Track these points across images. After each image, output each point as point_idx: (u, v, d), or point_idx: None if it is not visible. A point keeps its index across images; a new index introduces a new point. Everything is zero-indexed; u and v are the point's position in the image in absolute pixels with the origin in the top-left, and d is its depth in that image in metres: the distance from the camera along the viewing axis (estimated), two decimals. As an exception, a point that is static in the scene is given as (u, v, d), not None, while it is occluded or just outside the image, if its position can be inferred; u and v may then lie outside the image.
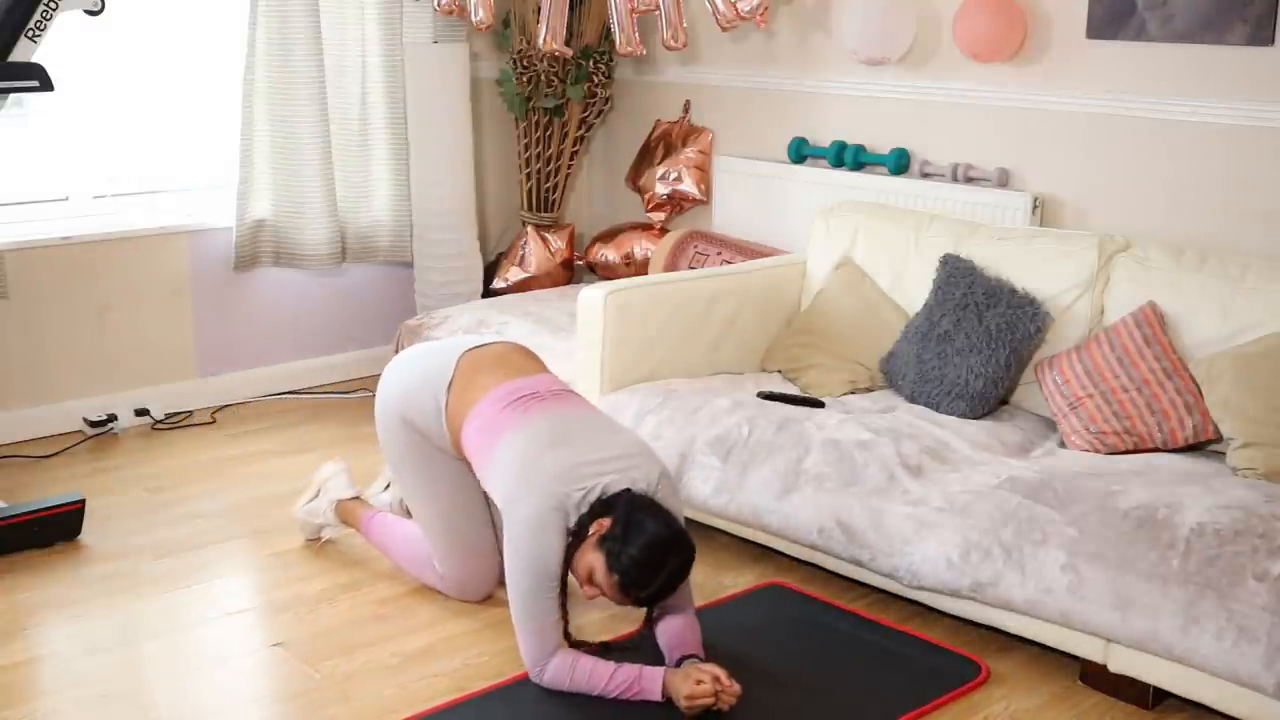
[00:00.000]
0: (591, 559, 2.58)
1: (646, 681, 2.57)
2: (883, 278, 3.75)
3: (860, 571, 3.04)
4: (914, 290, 3.65)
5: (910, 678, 2.78)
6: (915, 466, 3.01)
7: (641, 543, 2.53)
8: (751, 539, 3.29)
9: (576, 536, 2.60)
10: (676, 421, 3.34)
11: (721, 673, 2.54)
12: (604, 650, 2.71)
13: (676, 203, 4.79)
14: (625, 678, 2.58)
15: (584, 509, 2.60)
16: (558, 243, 4.94)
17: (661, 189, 4.79)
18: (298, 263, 4.56)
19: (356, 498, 3.37)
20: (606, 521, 2.57)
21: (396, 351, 4.39)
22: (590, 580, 2.60)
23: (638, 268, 4.73)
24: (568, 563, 2.61)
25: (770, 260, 4.07)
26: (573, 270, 5.00)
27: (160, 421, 4.39)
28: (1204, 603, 2.47)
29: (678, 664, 2.62)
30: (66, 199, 4.32)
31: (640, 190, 4.89)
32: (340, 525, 3.37)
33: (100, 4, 3.45)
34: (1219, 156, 3.48)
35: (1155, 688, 2.66)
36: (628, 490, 2.61)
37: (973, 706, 2.70)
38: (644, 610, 2.74)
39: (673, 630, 2.71)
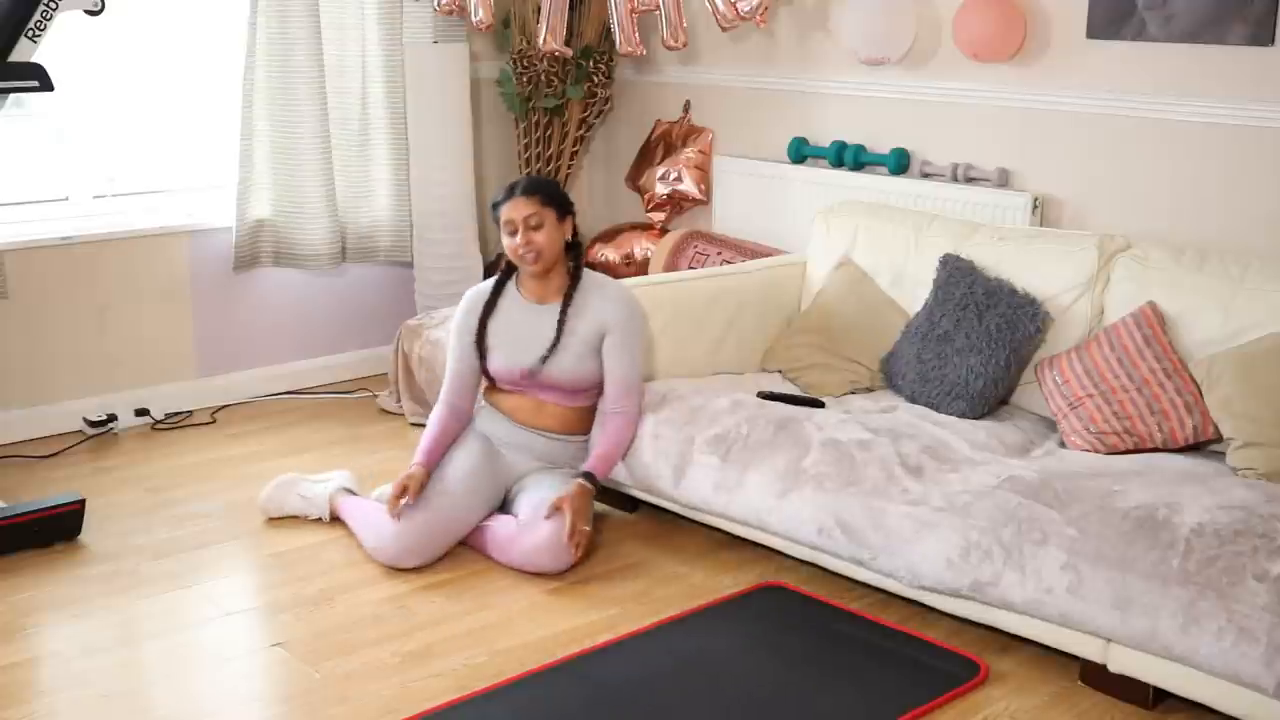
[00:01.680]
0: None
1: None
2: (883, 278, 3.75)
3: (860, 571, 3.04)
4: (914, 290, 3.65)
5: (910, 678, 2.78)
6: (915, 466, 3.01)
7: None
8: (751, 539, 3.30)
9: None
10: (676, 421, 3.34)
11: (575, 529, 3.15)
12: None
13: (676, 203, 4.79)
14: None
15: None
16: (558, 243, 4.94)
17: (661, 189, 4.79)
18: (298, 263, 4.56)
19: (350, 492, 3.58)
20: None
21: (396, 352, 4.39)
22: (510, 233, 3.30)
23: (638, 268, 4.73)
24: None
25: (770, 260, 4.07)
26: (573, 270, 5.00)
27: (160, 421, 4.39)
28: (1204, 603, 2.47)
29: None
30: (66, 199, 4.33)
31: (640, 190, 4.89)
32: (326, 515, 3.53)
33: (100, 4, 3.45)
34: (1219, 156, 3.48)
35: (1155, 688, 2.65)
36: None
37: (973, 706, 2.70)
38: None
39: (608, 430, 3.32)
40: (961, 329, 3.40)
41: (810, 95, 4.42)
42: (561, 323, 3.32)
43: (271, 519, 3.55)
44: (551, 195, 3.34)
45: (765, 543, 3.26)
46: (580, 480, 3.22)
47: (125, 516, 3.60)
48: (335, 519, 3.51)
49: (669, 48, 4.04)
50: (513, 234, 3.29)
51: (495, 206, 3.34)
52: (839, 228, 3.90)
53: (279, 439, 4.26)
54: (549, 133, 4.90)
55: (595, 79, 4.83)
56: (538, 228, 3.29)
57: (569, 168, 5.00)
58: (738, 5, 3.95)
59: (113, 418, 4.29)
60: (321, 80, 4.42)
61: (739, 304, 3.80)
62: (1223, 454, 3.04)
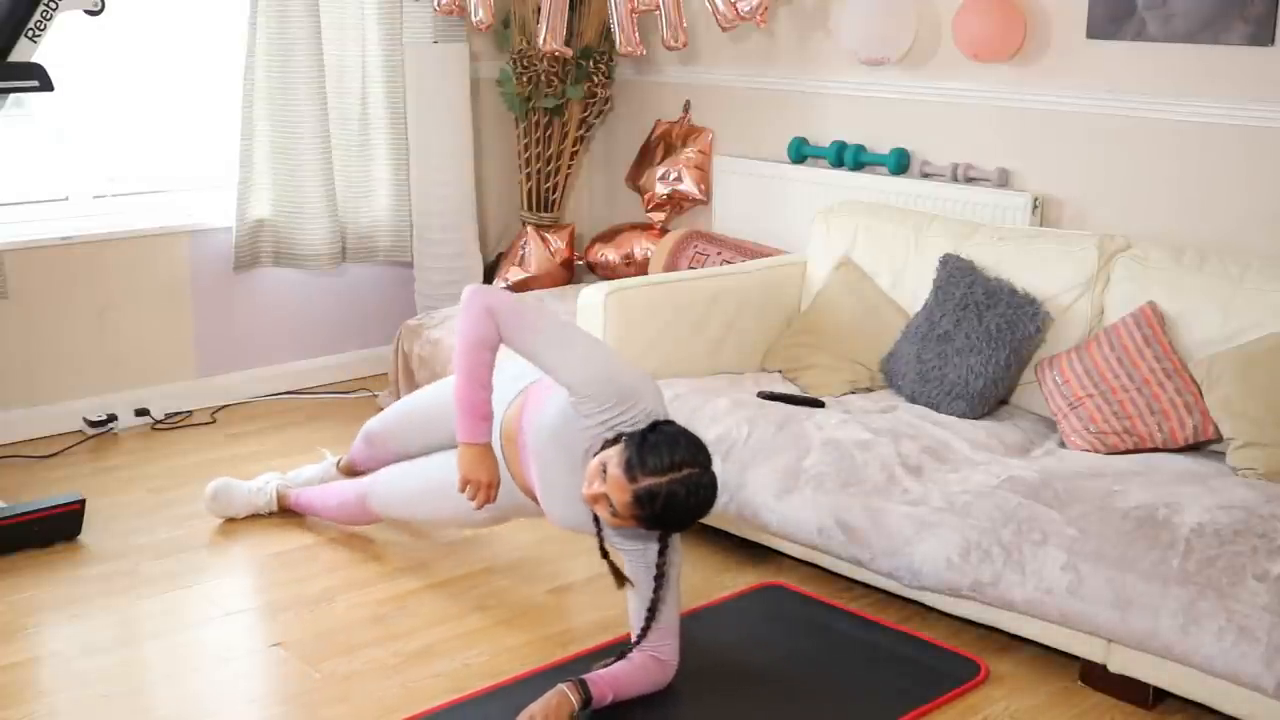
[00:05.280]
0: (608, 452, 2.49)
1: (478, 428, 2.74)
2: (883, 278, 3.75)
3: (860, 571, 3.04)
4: (914, 290, 3.65)
5: (910, 678, 2.78)
6: (915, 466, 3.01)
7: (664, 452, 2.44)
8: (751, 539, 3.30)
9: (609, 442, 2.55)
10: (676, 421, 3.33)
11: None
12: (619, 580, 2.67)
13: (676, 203, 4.79)
14: (481, 397, 2.74)
15: (631, 417, 2.57)
16: (558, 243, 4.94)
17: (661, 189, 4.79)
18: (298, 263, 4.56)
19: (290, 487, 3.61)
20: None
21: (396, 352, 4.39)
22: (599, 472, 2.48)
23: (638, 268, 4.73)
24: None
25: (770, 260, 4.07)
26: (573, 270, 5.00)
27: (160, 421, 4.39)
28: (1204, 603, 2.47)
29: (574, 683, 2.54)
30: (66, 199, 4.32)
31: (640, 190, 4.89)
32: (275, 506, 3.58)
33: (100, 4, 3.45)
34: (1219, 156, 3.48)
35: (1155, 688, 2.66)
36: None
37: (973, 706, 2.70)
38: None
39: (635, 662, 2.64)
40: (961, 329, 3.40)
41: (810, 95, 4.42)
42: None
43: (230, 519, 3.58)
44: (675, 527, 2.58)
45: (765, 543, 3.26)
46: (566, 689, 2.54)
47: (125, 516, 3.60)
48: (285, 509, 3.58)
49: (669, 48, 4.04)
50: (600, 478, 2.51)
51: (634, 452, 2.47)
52: (839, 228, 3.90)
53: (279, 439, 4.26)
54: (549, 133, 4.90)
55: (595, 79, 4.83)
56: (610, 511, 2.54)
57: (569, 168, 5.00)
58: (738, 5, 3.95)
59: (113, 418, 4.29)
60: (321, 80, 4.42)
61: (739, 304, 3.80)
62: (1223, 454, 3.04)
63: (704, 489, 2.49)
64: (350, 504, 3.36)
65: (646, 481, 2.43)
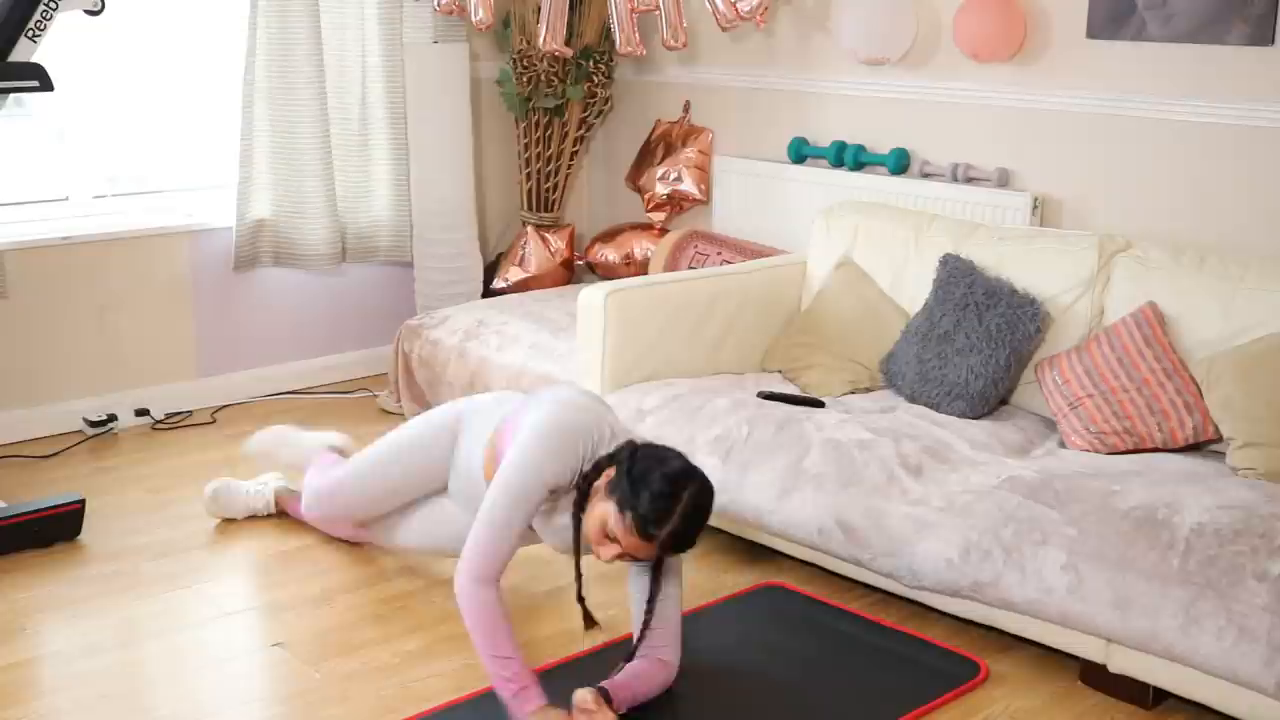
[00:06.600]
0: (601, 509, 2.46)
1: (517, 699, 2.45)
2: (883, 278, 3.75)
3: (860, 571, 3.04)
4: (914, 290, 3.65)
5: (910, 678, 2.78)
6: (915, 466, 3.01)
7: (654, 475, 2.42)
8: (751, 539, 3.30)
9: (582, 494, 2.52)
10: (676, 421, 3.34)
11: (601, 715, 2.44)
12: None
13: (676, 203, 4.79)
14: (508, 673, 2.47)
15: (599, 452, 2.53)
16: (558, 243, 4.94)
17: (661, 189, 4.79)
18: (298, 263, 4.56)
19: (291, 491, 3.55)
20: (612, 470, 2.49)
21: (396, 352, 4.39)
22: (605, 536, 2.46)
23: (638, 268, 4.73)
24: (578, 523, 2.53)
25: (770, 260, 4.07)
26: (573, 270, 5.00)
27: (160, 421, 4.39)
28: (1204, 603, 2.47)
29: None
30: (66, 199, 4.32)
31: (640, 190, 4.89)
32: (274, 509, 3.56)
33: (100, 4, 3.45)
34: (1219, 156, 3.48)
35: (1155, 688, 2.66)
36: (631, 441, 2.56)
37: (973, 706, 2.70)
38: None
39: (638, 667, 2.60)
40: (961, 329, 3.40)
41: (810, 95, 4.42)
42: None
43: (226, 519, 3.58)
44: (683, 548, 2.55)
45: (765, 543, 3.26)
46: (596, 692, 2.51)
47: (125, 516, 3.60)
48: (281, 513, 3.57)
49: (669, 48, 4.04)
50: (611, 542, 2.50)
51: (652, 523, 2.43)
52: (839, 228, 3.90)
53: (279, 439, 4.26)
54: (549, 133, 4.90)
55: (595, 79, 4.83)
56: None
57: (569, 168, 5.00)
58: (738, 5, 3.95)
59: (113, 418, 4.29)
60: (321, 80, 4.42)
61: (739, 304, 3.80)
62: (1223, 454, 3.04)
63: (708, 493, 2.51)
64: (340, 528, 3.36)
65: (665, 530, 2.44)
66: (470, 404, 3.02)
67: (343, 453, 3.49)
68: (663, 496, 2.42)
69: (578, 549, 2.61)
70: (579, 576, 2.64)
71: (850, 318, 3.69)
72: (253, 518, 3.57)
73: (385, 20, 4.54)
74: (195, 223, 4.48)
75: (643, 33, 4.20)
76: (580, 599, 2.65)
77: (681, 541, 2.49)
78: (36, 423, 4.20)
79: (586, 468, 2.57)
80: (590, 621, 2.66)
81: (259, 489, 3.58)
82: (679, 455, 2.53)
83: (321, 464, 3.35)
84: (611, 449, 2.57)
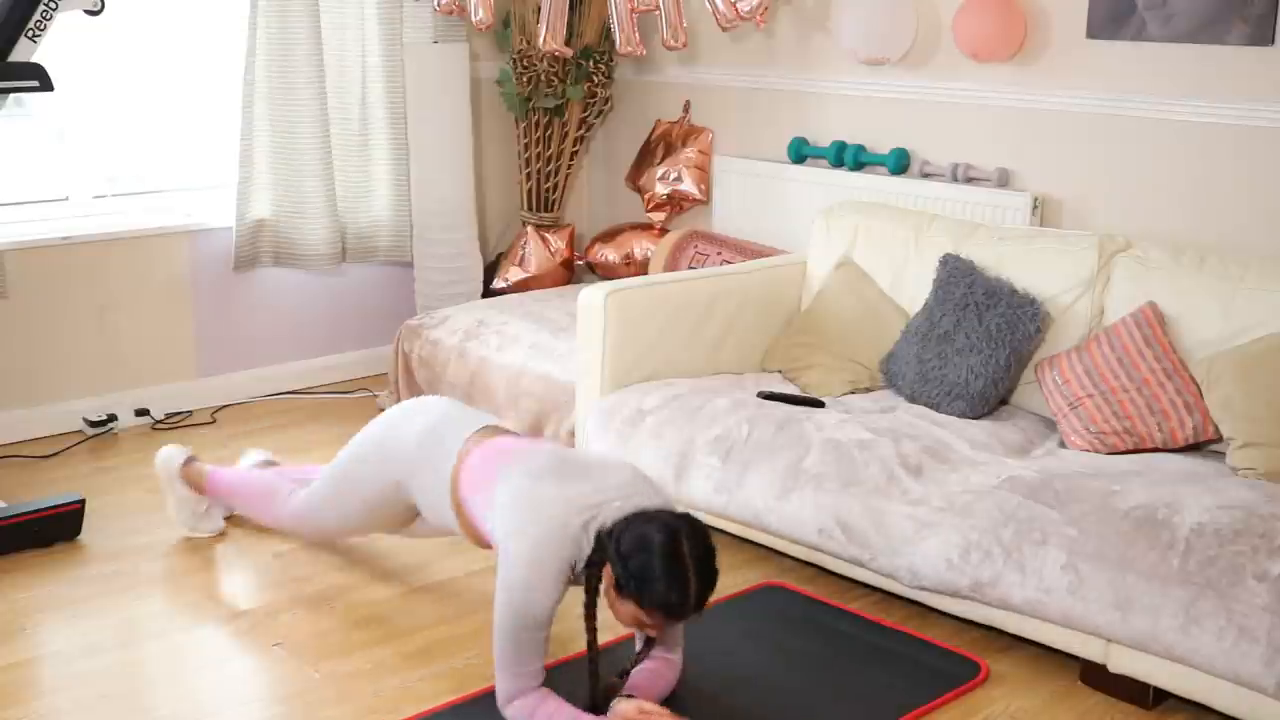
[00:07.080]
0: (627, 610, 2.46)
1: None
2: (883, 278, 3.75)
3: (860, 571, 3.04)
4: (914, 290, 3.65)
5: (910, 678, 2.78)
6: (915, 466, 3.01)
7: (654, 563, 2.39)
8: (751, 539, 3.30)
9: (591, 593, 2.49)
10: (676, 421, 3.34)
11: (651, 708, 2.46)
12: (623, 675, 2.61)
13: (676, 203, 4.79)
14: None
15: (588, 545, 2.48)
16: (558, 243, 4.94)
17: (661, 189, 4.79)
18: (298, 262, 4.56)
19: (191, 459, 3.46)
20: (609, 570, 2.46)
21: (396, 352, 4.39)
22: (640, 623, 2.48)
23: (638, 268, 4.73)
24: (591, 607, 2.51)
25: (770, 260, 4.07)
26: (573, 270, 5.00)
27: (160, 421, 4.39)
28: (1204, 603, 2.47)
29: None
30: (66, 199, 4.32)
31: (640, 190, 4.89)
32: (191, 491, 3.44)
33: (100, 4, 3.45)
34: (1219, 156, 3.48)
35: (1155, 688, 2.66)
36: (607, 533, 2.48)
37: (973, 706, 2.70)
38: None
39: (646, 669, 2.61)
40: (961, 329, 3.40)
41: (810, 95, 4.42)
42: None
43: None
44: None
45: (765, 543, 3.26)
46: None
47: (125, 516, 3.60)
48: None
49: (669, 48, 4.04)
50: (644, 626, 2.52)
51: (677, 606, 2.44)
52: (839, 228, 3.90)
53: (279, 439, 4.26)
54: (549, 133, 4.90)
55: (595, 79, 4.83)
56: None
57: (569, 168, 5.00)
58: (738, 5, 3.95)
59: (113, 418, 4.29)
60: (321, 80, 4.42)
61: (739, 304, 3.80)
62: (1223, 454, 3.04)
63: (700, 534, 2.47)
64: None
65: (691, 597, 2.42)
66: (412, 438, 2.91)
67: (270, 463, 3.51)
68: (671, 576, 2.40)
69: (593, 643, 2.55)
70: (593, 662, 2.55)
71: (850, 318, 3.69)
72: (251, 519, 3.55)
73: (385, 20, 4.54)
74: (195, 223, 4.48)
75: (643, 33, 4.20)
76: (589, 616, 2.55)
77: (709, 589, 2.47)
78: (36, 423, 4.20)
79: (579, 570, 2.51)
80: (594, 646, 2.57)
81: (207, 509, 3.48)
82: (653, 514, 2.46)
83: (278, 490, 3.28)
84: (591, 538, 2.49)
